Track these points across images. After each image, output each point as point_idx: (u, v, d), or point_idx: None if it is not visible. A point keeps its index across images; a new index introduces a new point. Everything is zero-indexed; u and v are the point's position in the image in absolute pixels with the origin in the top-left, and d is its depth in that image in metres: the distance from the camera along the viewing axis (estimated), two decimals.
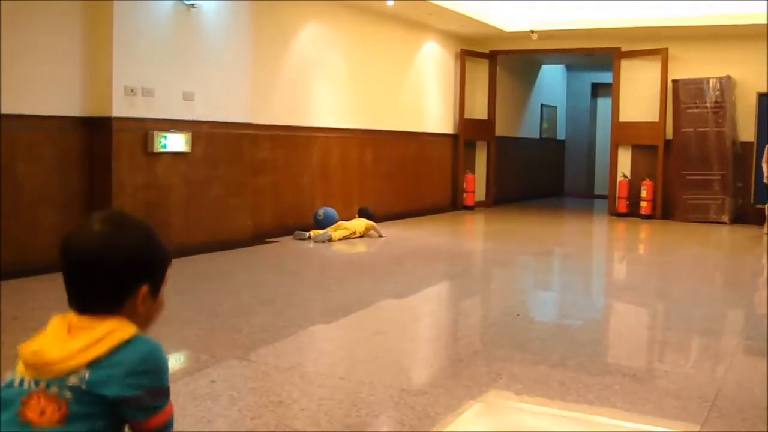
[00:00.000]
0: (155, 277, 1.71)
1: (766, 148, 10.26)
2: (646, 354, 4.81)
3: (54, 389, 1.56)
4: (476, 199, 13.27)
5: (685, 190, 11.91)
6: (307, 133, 9.58)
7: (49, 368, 1.57)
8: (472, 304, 6.27)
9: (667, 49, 12.03)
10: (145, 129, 7.06)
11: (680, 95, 11.88)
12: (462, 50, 13.05)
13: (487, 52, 13.57)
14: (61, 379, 1.57)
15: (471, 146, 13.62)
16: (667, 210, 12.14)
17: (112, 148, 6.76)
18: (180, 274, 6.54)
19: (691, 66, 11.93)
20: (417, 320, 5.49)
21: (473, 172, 13.34)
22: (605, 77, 14.99)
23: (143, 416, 1.59)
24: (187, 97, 7.51)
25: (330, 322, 5.14)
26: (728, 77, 11.60)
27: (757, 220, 10.97)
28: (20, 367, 1.61)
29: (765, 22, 10.24)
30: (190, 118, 7.55)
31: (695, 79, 11.75)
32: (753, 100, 11.61)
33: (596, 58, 14.75)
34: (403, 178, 11.68)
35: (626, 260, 9.35)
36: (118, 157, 6.81)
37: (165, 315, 1.78)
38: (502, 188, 14.25)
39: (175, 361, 4.22)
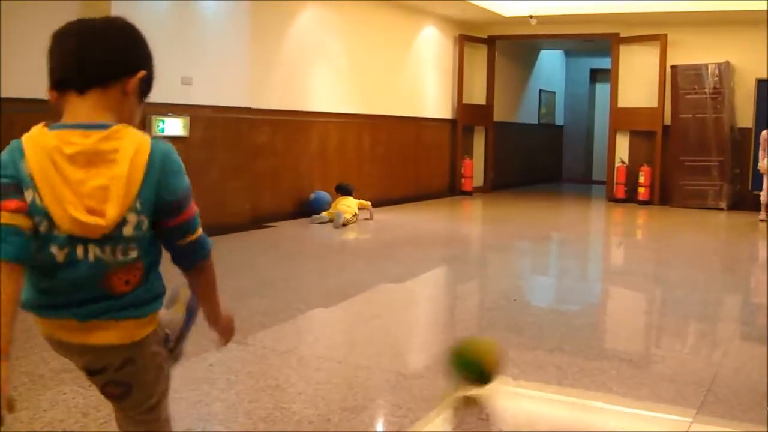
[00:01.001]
0: (149, 70, 1.67)
1: (762, 135, 10.22)
2: (643, 339, 4.83)
3: (119, 251, 1.54)
4: (474, 185, 13.26)
5: (683, 176, 11.91)
6: (305, 118, 9.56)
7: (104, 227, 1.52)
8: (470, 288, 6.28)
9: (666, 34, 12.00)
10: (143, 113, 7.01)
11: (679, 81, 11.86)
12: (460, 35, 13.00)
13: (486, 37, 13.52)
14: (118, 235, 1.53)
15: (469, 131, 13.60)
16: (664, 196, 12.15)
17: None
18: None
19: (690, 52, 11.90)
20: (414, 304, 5.50)
21: (471, 157, 13.33)
22: (604, 63, 14.95)
23: (180, 210, 1.61)
24: (185, 81, 7.48)
25: (328, 306, 5.15)
26: (727, 63, 11.57)
27: (754, 206, 10.97)
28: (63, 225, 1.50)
29: (764, 8, 10.21)
30: (188, 103, 7.53)
31: (694, 64, 11.73)
32: (751, 86, 11.59)
33: (595, 44, 14.70)
34: (402, 163, 11.67)
35: (624, 246, 9.36)
36: None
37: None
38: (500, 173, 14.24)
39: None
